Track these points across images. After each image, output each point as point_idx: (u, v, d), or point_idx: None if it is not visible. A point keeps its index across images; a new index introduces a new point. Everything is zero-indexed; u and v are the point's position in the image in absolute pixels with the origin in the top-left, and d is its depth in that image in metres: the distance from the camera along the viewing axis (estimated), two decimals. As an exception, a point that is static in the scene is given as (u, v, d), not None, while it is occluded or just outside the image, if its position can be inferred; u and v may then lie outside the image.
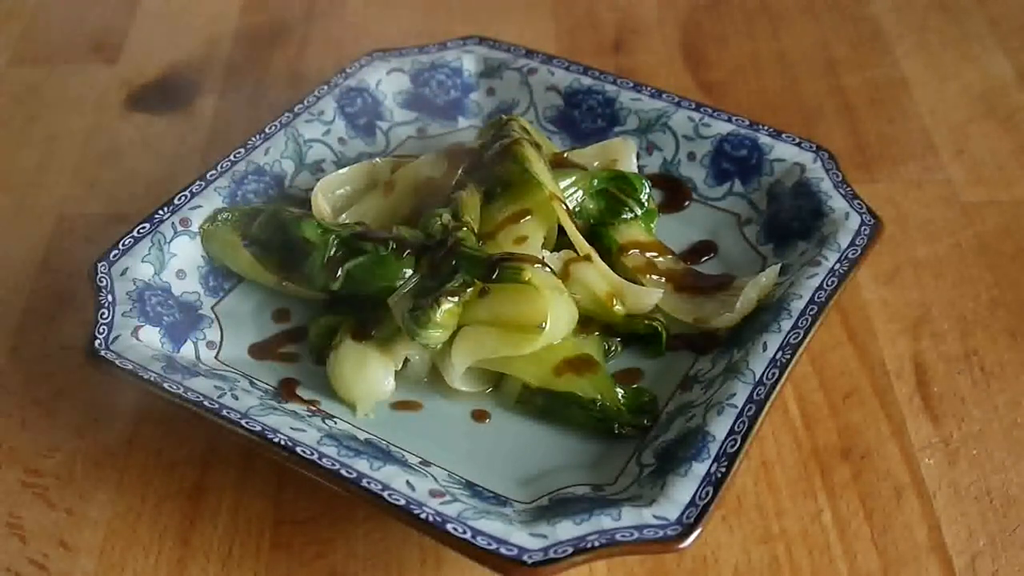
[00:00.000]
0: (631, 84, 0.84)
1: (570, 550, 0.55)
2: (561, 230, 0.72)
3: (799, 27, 1.04)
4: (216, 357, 0.70)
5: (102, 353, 0.65)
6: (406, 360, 0.69)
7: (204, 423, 0.62)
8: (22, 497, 0.68)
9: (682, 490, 0.58)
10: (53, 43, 1.04)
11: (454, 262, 0.68)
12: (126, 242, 0.71)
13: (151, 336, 0.68)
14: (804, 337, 0.65)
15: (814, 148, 0.78)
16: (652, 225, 0.77)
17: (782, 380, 0.63)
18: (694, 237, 0.78)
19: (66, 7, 1.08)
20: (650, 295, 0.71)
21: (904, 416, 0.71)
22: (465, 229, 0.70)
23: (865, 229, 0.72)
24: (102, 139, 0.93)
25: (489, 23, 1.03)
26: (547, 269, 0.68)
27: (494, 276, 0.67)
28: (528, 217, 0.72)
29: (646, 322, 0.71)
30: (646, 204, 0.76)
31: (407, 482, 0.59)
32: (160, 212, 0.73)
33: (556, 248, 0.72)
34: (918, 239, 0.83)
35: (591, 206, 0.76)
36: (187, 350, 0.69)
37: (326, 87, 0.84)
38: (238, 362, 0.70)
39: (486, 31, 0.91)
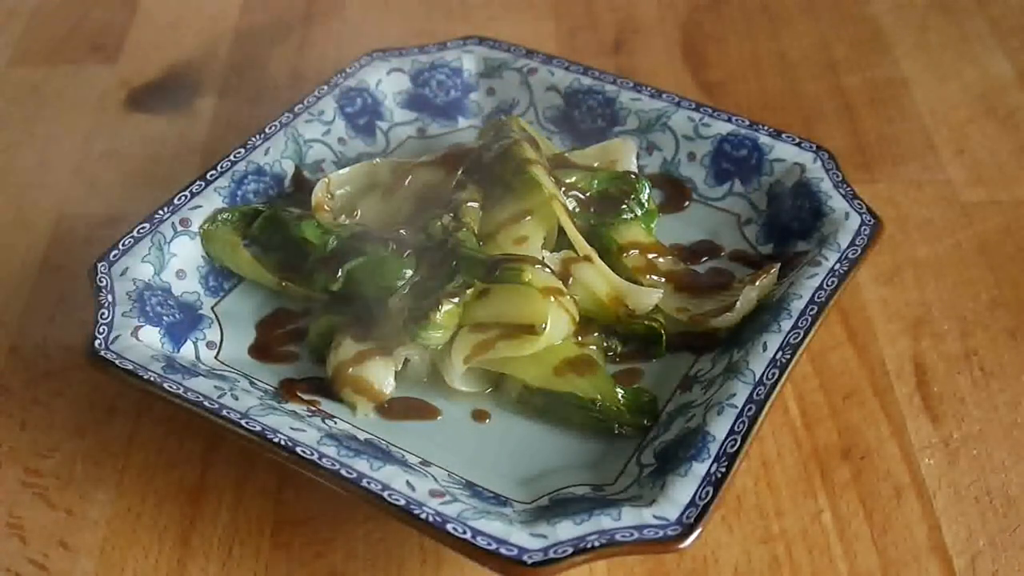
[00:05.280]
0: (631, 84, 0.84)
1: (570, 550, 0.55)
2: (561, 230, 0.72)
3: (799, 27, 1.04)
4: (216, 357, 0.70)
5: (102, 353, 0.65)
6: (406, 360, 0.69)
7: (204, 423, 0.62)
8: (22, 497, 0.68)
9: (682, 490, 0.58)
10: (53, 43, 1.04)
11: (454, 263, 0.68)
12: (126, 242, 0.71)
13: (151, 336, 0.68)
14: (804, 337, 0.65)
15: (814, 148, 0.78)
16: (652, 225, 0.77)
17: (782, 380, 0.63)
18: (694, 237, 0.78)
19: (66, 7, 1.08)
20: (650, 295, 0.71)
21: (904, 416, 0.72)
22: (465, 230, 0.70)
23: (865, 229, 0.72)
24: (102, 139, 0.93)
25: (489, 23, 1.03)
26: (547, 270, 0.68)
27: (494, 277, 0.67)
28: (528, 218, 0.72)
29: (646, 322, 0.71)
30: (646, 204, 0.76)
31: (407, 482, 0.59)
32: (160, 212, 0.73)
33: (556, 248, 0.72)
34: (918, 239, 0.83)
35: (591, 206, 0.76)
36: (187, 350, 0.69)
37: (326, 87, 0.84)
38: (238, 362, 0.70)
39: (486, 31, 0.91)
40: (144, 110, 0.96)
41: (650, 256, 0.75)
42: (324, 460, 0.59)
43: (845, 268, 0.69)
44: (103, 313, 0.67)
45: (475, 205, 0.73)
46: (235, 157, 0.77)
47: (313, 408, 0.67)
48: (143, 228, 0.72)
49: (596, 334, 0.71)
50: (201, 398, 0.62)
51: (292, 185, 0.80)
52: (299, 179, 0.80)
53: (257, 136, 0.79)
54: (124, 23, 1.06)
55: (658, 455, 0.63)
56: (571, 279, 0.70)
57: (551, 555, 0.55)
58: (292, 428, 0.61)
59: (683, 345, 0.71)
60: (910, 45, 1.01)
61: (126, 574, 0.64)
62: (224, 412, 0.62)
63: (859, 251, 0.70)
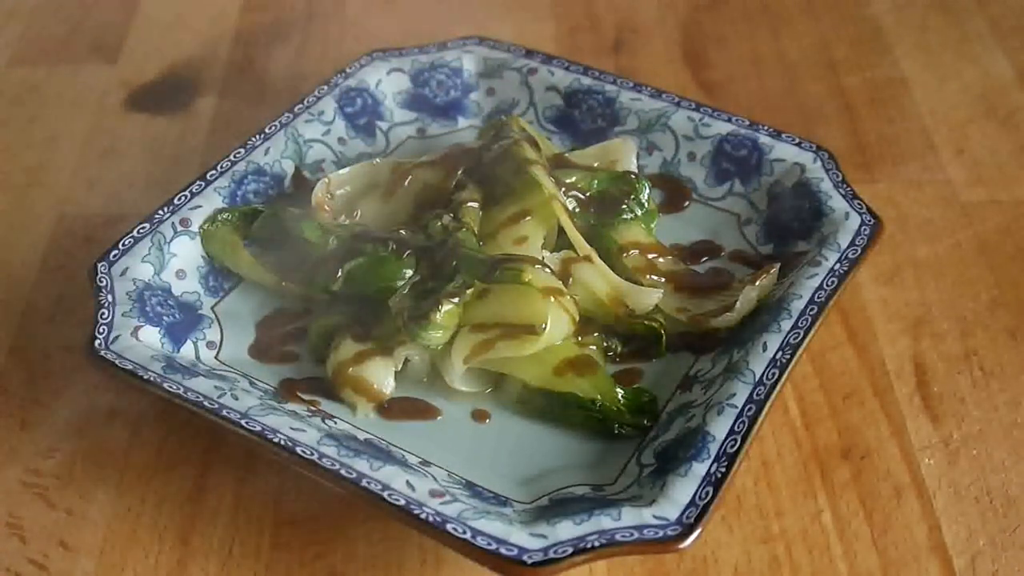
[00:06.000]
0: (631, 84, 0.84)
1: (570, 550, 0.55)
2: (561, 230, 0.72)
3: (799, 27, 1.04)
4: (216, 357, 0.70)
5: (102, 353, 0.65)
6: (406, 360, 0.69)
7: (204, 423, 0.62)
8: (22, 497, 0.68)
9: (682, 490, 0.58)
10: (53, 43, 1.04)
11: (454, 263, 0.68)
12: (126, 242, 0.71)
13: (151, 336, 0.68)
14: (804, 337, 0.65)
15: (814, 148, 0.78)
16: (652, 225, 0.77)
17: (782, 380, 0.63)
18: (694, 237, 0.78)
19: (66, 7, 1.08)
20: (650, 295, 0.71)
21: (904, 416, 0.72)
22: (465, 230, 0.70)
23: (865, 229, 0.72)
24: (102, 139, 0.93)
25: (489, 23, 1.03)
26: (547, 270, 0.68)
27: (494, 277, 0.67)
28: (528, 218, 0.72)
29: (646, 322, 0.71)
30: (646, 204, 0.76)
31: (407, 482, 0.59)
32: (160, 212, 0.73)
33: (556, 248, 0.72)
34: (918, 239, 0.83)
35: (591, 206, 0.75)
36: (187, 350, 0.69)
37: (326, 87, 0.84)
38: (238, 362, 0.70)
39: (486, 31, 0.91)
40: (144, 110, 0.96)
41: (650, 256, 0.75)
42: (324, 460, 0.59)
43: (845, 268, 0.69)
44: (103, 313, 0.67)
45: (475, 205, 0.73)
46: (235, 157, 0.77)
47: (313, 408, 0.67)
48: (143, 228, 0.72)
49: (596, 334, 0.71)
50: (201, 398, 0.62)
51: (292, 185, 0.80)
52: (299, 179, 0.80)
53: (257, 136, 0.79)
54: (124, 23, 1.06)
55: (658, 455, 0.63)
56: (571, 279, 0.70)
57: (551, 555, 0.55)
58: (292, 428, 0.61)
59: (683, 345, 0.71)
60: (910, 45, 1.01)
61: (126, 574, 0.64)
62: (224, 412, 0.62)
63: (859, 251, 0.70)
